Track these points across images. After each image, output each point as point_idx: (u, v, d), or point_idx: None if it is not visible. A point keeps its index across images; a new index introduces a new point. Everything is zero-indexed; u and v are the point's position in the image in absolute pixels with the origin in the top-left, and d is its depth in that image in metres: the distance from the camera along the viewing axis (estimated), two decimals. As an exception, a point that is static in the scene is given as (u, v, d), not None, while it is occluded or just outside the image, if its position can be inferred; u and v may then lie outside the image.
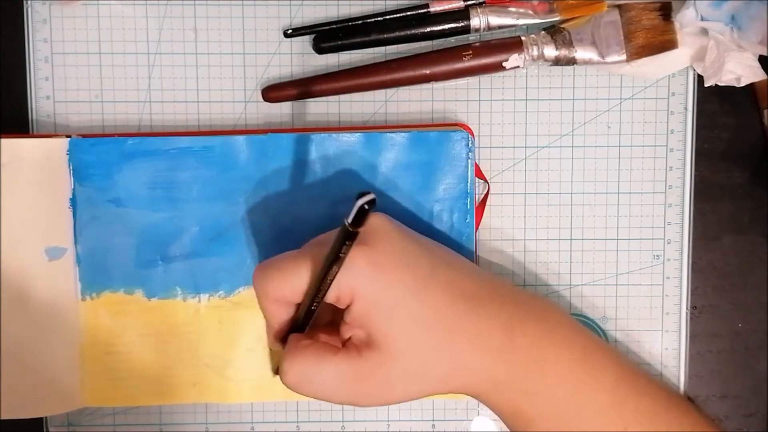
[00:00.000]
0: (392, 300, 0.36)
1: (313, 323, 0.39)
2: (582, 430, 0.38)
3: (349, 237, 0.33)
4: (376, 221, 0.38)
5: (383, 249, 0.37)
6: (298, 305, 0.38)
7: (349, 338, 0.38)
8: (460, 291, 0.38)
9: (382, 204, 0.42)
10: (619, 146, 0.45)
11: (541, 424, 0.38)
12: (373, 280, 0.36)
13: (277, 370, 0.43)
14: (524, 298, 0.40)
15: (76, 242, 0.43)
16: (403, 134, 0.42)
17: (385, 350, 0.37)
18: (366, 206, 0.31)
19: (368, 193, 0.31)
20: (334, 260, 0.34)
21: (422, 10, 0.43)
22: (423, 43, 0.44)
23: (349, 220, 0.32)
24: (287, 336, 0.39)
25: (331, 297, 0.36)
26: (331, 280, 0.35)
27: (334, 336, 0.39)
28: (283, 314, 0.38)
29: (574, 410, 0.38)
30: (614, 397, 0.39)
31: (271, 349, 0.43)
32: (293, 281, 0.37)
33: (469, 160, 0.42)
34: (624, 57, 0.42)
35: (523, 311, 0.39)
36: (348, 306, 0.37)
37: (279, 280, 0.37)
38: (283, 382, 0.38)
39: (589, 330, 0.41)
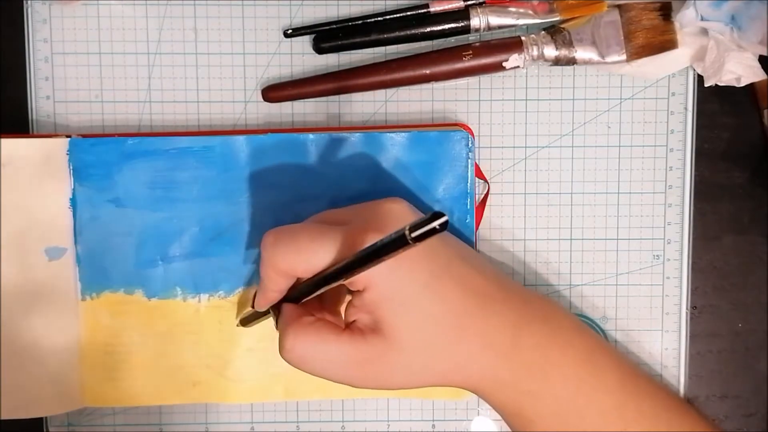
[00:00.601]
0: (406, 295, 0.36)
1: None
2: (583, 431, 0.38)
3: (402, 246, 0.31)
4: (399, 210, 0.38)
5: None
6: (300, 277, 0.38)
7: (354, 321, 0.37)
8: (472, 286, 0.38)
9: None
10: (619, 146, 0.45)
11: (542, 425, 0.38)
12: (390, 272, 0.36)
13: (241, 323, 0.43)
14: (531, 298, 0.40)
15: (76, 242, 0.43)
16: (403, 134, 0.42)
17: (392, 340, 0.36)
18: (438, 227, 0.30)
19: (443, 215, 0.30)
20: (373, 260, 0.33)
21: (422, 10, 0.43)
22: (423, 43, 0.44)
23: (414, 234, 0.30)
24: (278, 302, 0.39)
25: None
26: (359, 273, 0.34)
27: (333, 314, 0.39)
28: (283, 284, 0.38)
29: (576, 411, 0.38)
30: (616, 399, 0.39)
31: (239, 303, 0.43)
32: (309, 259, 0.36)
33: (469, 160, 0.42)
34: (624, 57, 0.42)
35: (530, 311, 0.39)
36: (359, 291, 0.37)
37: (293, 256, 0.36)
38: (283, 357, 0.37)
39: (593, 331, 0.41)
